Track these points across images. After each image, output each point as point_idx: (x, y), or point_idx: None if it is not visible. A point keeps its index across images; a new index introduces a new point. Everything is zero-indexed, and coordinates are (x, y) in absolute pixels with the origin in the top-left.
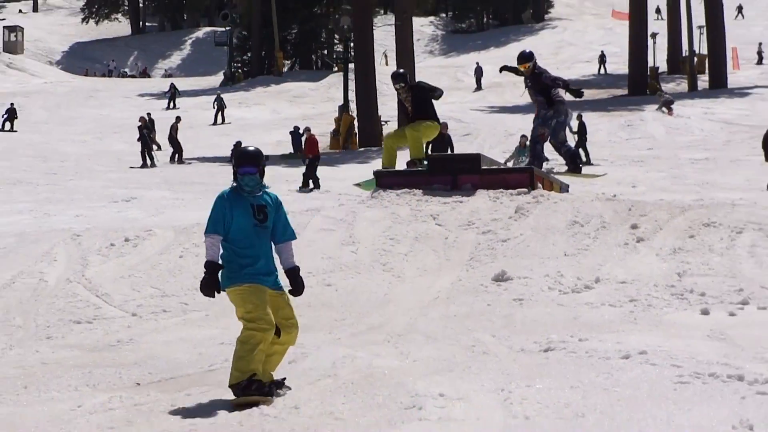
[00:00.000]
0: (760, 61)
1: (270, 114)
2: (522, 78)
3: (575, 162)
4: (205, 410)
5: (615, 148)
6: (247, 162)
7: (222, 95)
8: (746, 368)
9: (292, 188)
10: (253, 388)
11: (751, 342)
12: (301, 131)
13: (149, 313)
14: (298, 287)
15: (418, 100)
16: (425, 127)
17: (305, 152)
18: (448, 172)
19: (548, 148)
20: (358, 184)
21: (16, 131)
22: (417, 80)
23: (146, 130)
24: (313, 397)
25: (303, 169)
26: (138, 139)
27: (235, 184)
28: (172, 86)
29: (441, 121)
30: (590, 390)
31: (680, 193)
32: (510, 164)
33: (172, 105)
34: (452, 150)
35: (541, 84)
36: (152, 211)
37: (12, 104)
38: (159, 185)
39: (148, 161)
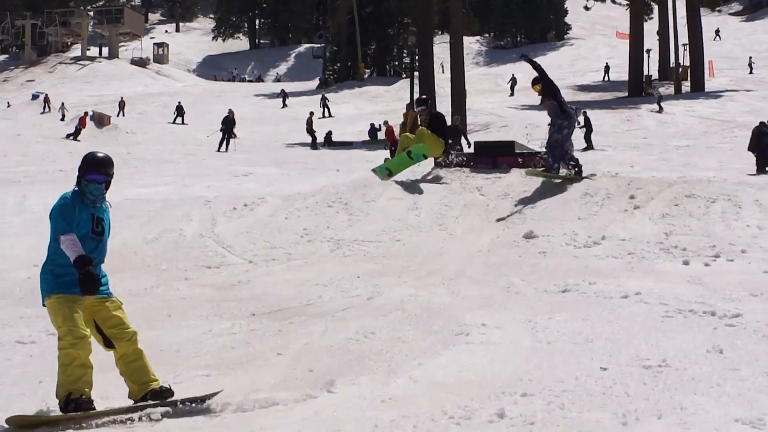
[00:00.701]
0: (750, 72)
1: (354, 110)
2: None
3: (579, 169)
4: (303, 334)
5: (617, 137)
6: (96, 169)
7: (326, 95)
8: (717, 306)
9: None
10: (71, 408)
11: (721, 286)
12: (377, 126)
13: (262, 261)
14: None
15: (434, 125)
16: (435, 143)
17: (387, 140)
18: (490, 155)
19: None
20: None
21: (186, 124)
22: (435, 110)
23: (231, 123)
24: (386, 326)
25: (386, 153)
26: (222, 127)
27: (76, 189)
28: (283, 91)
29: (455, 116)
30: (597, 322)
31: (667, 172)
32: None
33: (284, 105)
34: (467, 139)
35: (551, 90)
36: (264, 183)
37: (179, 102)
38: (270, 163)
39: (223, 147)
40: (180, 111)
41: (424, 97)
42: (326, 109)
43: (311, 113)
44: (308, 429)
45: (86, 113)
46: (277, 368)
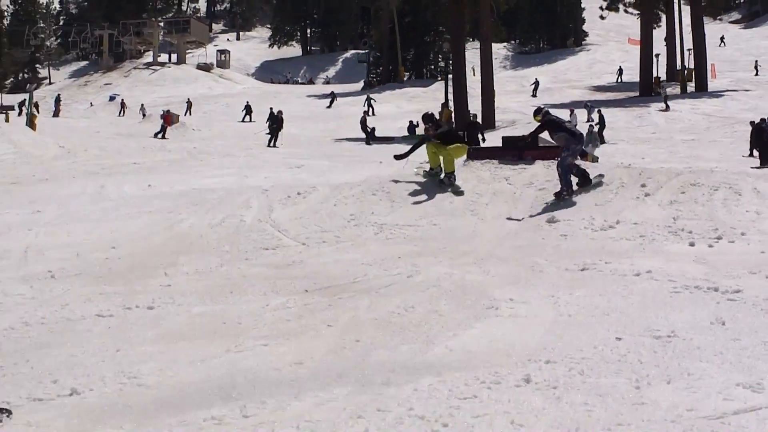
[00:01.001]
0: (756, 74)
1: (395, 109)
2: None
3: (586, 177)
4: (350, 308)
5: (629, 132)
6: None
7: (371, 96)
8: (720, 282)
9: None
10: None
11: (723, 265)
12: (415, 123)
13: (313, 243)
14: None
15: (447, 136)
16: (457, 149)
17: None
18: (516, 148)
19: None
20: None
21: (254, 122)
22: (440, 125)
23: (280, 122)
24: (424, 301)
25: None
26: (273, 126)
27: None
28: (333, 93)
29: (473, 113)
30: (612, 297)
31: (675, 163)
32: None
33: (330, 105)
34: (482, 134)
35: (557, 127)
36: (315, 174)
37: (248, 102)
38: (320, 156)
39: (272, 142)
40: (249, 110)
41: (429, 113)
42: (371, 108)
43: (365, 112)
44: (355, 390)
45: (168, 111)
46: (328, 338)
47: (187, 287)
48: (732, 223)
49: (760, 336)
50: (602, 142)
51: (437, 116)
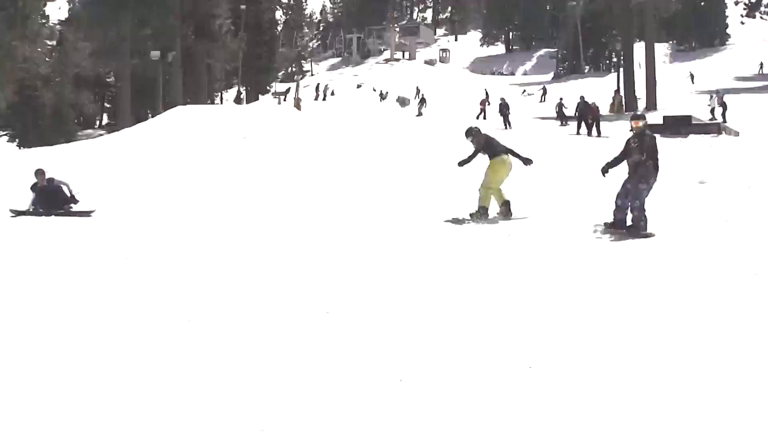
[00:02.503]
0: None
1: (576, 94)
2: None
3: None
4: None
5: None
6: None
7: (546, 86)
8: None
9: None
10: None
11: None
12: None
13: None
14: None
15: (489, 147)
16: (493, 170)
17: (591, 114)
18: (675, 125)
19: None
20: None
21: (490, 104)
22: (486, 135)
23: (506, 107)
24: None
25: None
26: (500, 112)
27: None
28: (543, 87)
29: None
30: None
31: None
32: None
33: (526, 93)
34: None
35: (648, 145)
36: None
37: (485, 89)
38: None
39: (508, 126)
40: (487, 95)
41: (469, 127)
42: (544, 95)
43: (561, 98)
44: None
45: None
46: None
47: None
48: None
49: None
50: (725, 121)
51: (474, 132)
